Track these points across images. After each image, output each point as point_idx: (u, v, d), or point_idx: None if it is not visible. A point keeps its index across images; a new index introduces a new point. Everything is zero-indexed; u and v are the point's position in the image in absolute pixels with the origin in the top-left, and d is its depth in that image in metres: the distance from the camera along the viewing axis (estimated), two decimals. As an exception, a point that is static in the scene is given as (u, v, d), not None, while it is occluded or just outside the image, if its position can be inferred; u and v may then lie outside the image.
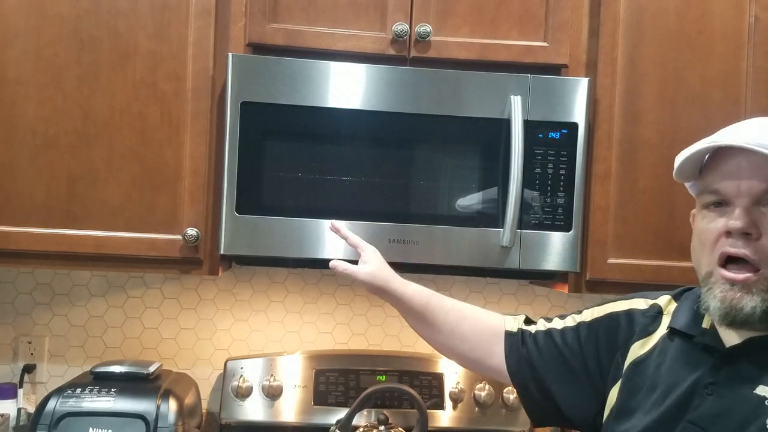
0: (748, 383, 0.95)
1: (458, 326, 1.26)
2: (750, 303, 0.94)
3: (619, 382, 1.11)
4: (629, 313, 1.16)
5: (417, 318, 1.27)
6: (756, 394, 0.92)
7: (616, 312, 1.17)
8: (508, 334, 1.23)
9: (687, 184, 1.09)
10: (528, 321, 1.26)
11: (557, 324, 1.22)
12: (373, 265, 1.25)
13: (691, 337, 1.05)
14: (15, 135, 1.58)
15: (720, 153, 0.99)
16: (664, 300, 1.15)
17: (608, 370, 1.14)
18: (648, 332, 1.11)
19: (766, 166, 0.94)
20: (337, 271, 1.25)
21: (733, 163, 0.97)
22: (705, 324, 1.04)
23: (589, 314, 1.20)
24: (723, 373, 0.98)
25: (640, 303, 1.17)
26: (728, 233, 0.96)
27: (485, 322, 1.27)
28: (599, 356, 1.15)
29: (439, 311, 1.26)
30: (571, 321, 1.22)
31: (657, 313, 1.13)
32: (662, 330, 1.10)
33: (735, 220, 0.95)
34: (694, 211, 1.08)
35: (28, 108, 1.58)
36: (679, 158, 1.03)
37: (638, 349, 1.11)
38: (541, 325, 1.24)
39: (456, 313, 1.27)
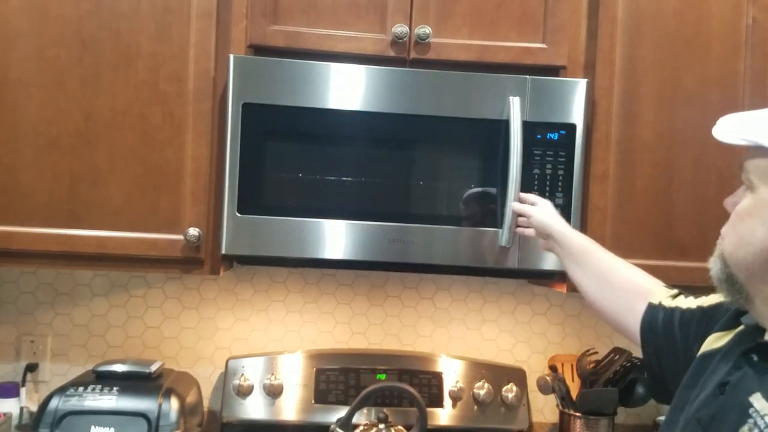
0: (750, 389, 0.92)
1: (608, 274, 1.33)
2: (715, 265, 0.97)
3: (693, 363, 1.08)
4: (723, 304, 1.12)
5: (574, 259, 1.39)
6: (748, 400, 0.90)
7: (723, 302, 1.12)
8: (650, 306, 1.24)
9: None
10: (676, 295, 1.25)
11: (685, 303, 1.21)
12: (543, 211, 1.47)
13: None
14: (17, 136, 1.59)
15: None
16: None
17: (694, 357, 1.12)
18: (727, 327, 1.07)
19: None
20: (514, 209, 1.53)
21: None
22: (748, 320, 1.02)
23: (711, 299, 1.18)
24: (738, 375, 0.95)
25: None
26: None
27: (634, 281, 1.31)
28: (698, 342, 1.12)
29: (595, 256, 1.36)
30: (695, 303, 1.20)
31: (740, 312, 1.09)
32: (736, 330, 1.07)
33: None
34: None
35: (31, 109, 1.59)
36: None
37: (714, 341, 1.08)
38: (675, 303, 1.22)
39: (610, 262, 1.35)
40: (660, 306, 1.23)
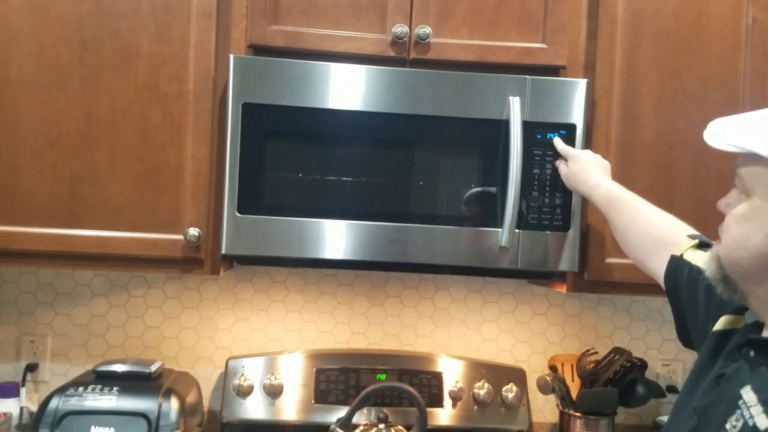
0: (741, 381, 0.95)
1: (629, 226, 1.39)
2: (707, 266, 1.00)
3: (707, 340, 1.10)
4: None
5: (601, 211, 1.47)
6: (738, 392, 0.93)
7: None
8: (673, 258, 1.26)
9: None
10: (699, 245, 1.26)
11: (700, 257, 1.22)
12: (577, 164, 1.55)
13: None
14: (18, 136, 1.59)
15: None
16: None
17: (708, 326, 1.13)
18: (739, 311, 1.08)
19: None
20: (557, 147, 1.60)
21: None
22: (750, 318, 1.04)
23: None
24: (732, 368, 0.98)
25: None
26: None
27: (655, 227, 1.35)
28: (719, 312, 1.13)
29: (615, 211, 1.43)
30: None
31: None
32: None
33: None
34: None
35: (31, 109, 1.59)
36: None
37: (726, 322, 1.08)
38: (702, 258, 1.20)
39: (630, 215, 1.40)
40: (683, 260, 1.24)
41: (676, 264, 1.24)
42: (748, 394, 0.91)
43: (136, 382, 1.66)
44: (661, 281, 1.28)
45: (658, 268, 1.29)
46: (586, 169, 1.52)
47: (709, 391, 0.99)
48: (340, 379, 1.89)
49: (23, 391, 1.87)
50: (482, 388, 1.91)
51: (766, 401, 0.88)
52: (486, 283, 2.06)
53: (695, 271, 1.20)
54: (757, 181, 0.93)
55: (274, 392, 1.86)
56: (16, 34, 1.58)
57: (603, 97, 1.68)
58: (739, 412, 0.91)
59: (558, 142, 1.60)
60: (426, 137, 1.63)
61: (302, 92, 1.57)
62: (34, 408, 1.74)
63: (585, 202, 1.67)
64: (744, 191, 0.96)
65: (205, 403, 1.95)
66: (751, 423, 0.88)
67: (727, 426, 0.91)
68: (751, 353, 0.96)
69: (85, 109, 1.60)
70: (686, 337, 1.26)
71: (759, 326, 0.99)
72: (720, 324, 1.09)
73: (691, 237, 1.27)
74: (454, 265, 1.65)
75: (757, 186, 0.93)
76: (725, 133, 0.95)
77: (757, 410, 0.88)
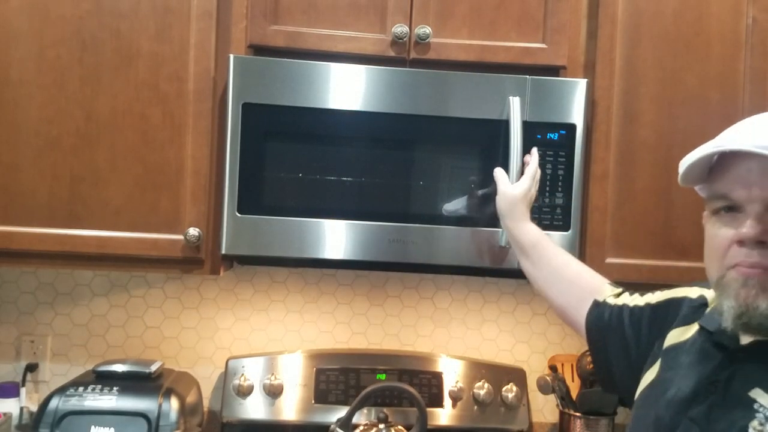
0: (746, 385, 0.93)
1: (554, 273, 1.39)
2: (765, 303, 0.89)
3: (658, 363, 1.09)
4: (681, 301, 1.14)
5: (524, 252, 1.45)
6: (749, 396, 0.91)
7: (676, 298, 1.16)
8: (596, 303, 1.28)
9: (696, 188, 1.05)
10: (619, 293, 1.30)
11: (632, 301, 1.25)
12: (511, 195, 1.50)
13: (711, 334, 1.02)
14: (18, 136, 1.59)
15: (728, 156, 0.94)
16: (712, 294, 1.08)
17: (649, 352, 1.15)
18: (687, 322, 1.09)
19: None
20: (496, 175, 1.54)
21: (742, 167, 0.92)
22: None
23: (658, 296, 1.21)
24: (727, 373, 0.96)
25: (694, 291, 1.14)
26: (741, 242, 0.91)
27: (583, 277, 1.36)
28: (651, 338, 1.15)
29: (545, 252, 1.41)
30: (642, 300, 1.23)
31: (701, 304, 1.10)
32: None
33: (748, 228, 0.90)
34: (705, 213, 1.02)
35: (31, 109, 1.59)
36: (684, 164, 0.99)
37: (677, 335, 1.09)
38: (621, 300, 1.26)
39: (561, 258, 1.40)
40: (605, 303, 1.27)
41: (599, 308, 1.28)
42: (762, 397, 0.89)
43: (136, 382, 1.66)
44: (582, 329, 1.30)
45: (580, 319, 1.30)
46: (517, 206, 1.49)
47: (703, 399, 0.97)
48: (340, 379, 1.89)
49: (23, 391, 1.87)
50: (482, 388, 1.91)
51: None
52: (486, 283, 2.06)
53: (618, 308, 1.25)
54: None
55: (274, 392, 1.86)
56: (16, 34, 1.58)
57: (603, 97, 1.68)
58: (760, 415, 0.89)
59: (499, 173, 1.54)
60: (426, 137, 1.63)
61: (302, 92, 1.57)
62: (34, 408, 1.75)
63: (585, 201, 1.67)
64: None
65: (205, 403, 1.95)
66: None
67: (750, 430, 0.89)
68: (741, 355, 0.96)
69: (85, 109, 1.60)
70: (609, 380, 1.27)
71: (724, 330, 0.97)
72: (672, 338, 1.11)
73: (614, 286, 1.32)
74: (454, 265, 1.65)
75: None
76: (764, 140, 0.89)
77: None
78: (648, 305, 1.21)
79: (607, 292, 1.30)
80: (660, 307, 1.19)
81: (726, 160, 0.95)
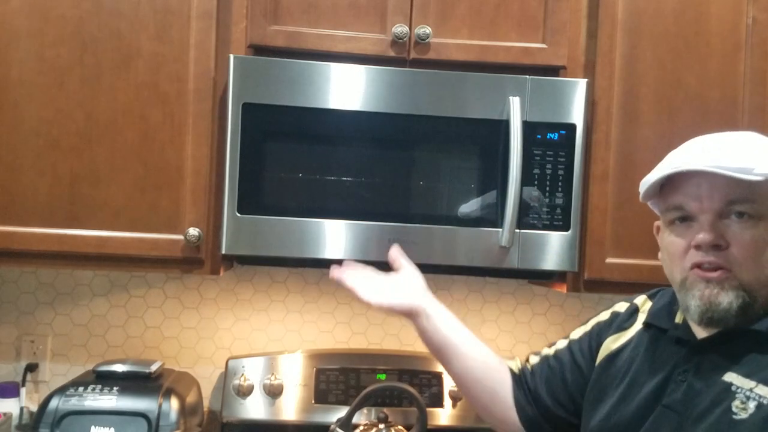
0: (717, 371, 1.02)
1: (465, 376, 1.32)
2: (726, 299, 1.02)
3: (593, 376, 1.20)
4: (612, 319, 1.26)
5: (436, 353, 1.35)
6: (723, 380, 1.01)
7: (602, 320, 1.28)
8: (513, 375, 1.30)
9: (649, 203, 1.16)
10: (526, 359, 1.35)
11: (547, 351, 1.31)
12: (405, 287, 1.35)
13: (665, 331, 1.14)
14: (18, 136, 1.59)
15: (679, 174, 1.06)
16: (640, 299, 1.25)
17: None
18: (623, 328, 1.22)
19: (725, 183, 1.01)
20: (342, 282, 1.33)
21: (693, 182, 1.05)
22: (678, 319, 1.13)
23: (577, 332, 1.31)
24: (694, 362, 1.06)
25: (621, 306, 1.27)
26: (698, 247, 1.03)
27: (489, 371, 1.31)
28: (591, 365, 1.24)
29: (454, 357, 1.32)
30: (561, 343, 1.31)
31: (633, 311, 1.24)
32: (638, 326, 1.20)
33: (704, 234, 1.02)
34: (657, 223, 1.16)
35: (31, 109, 1.59)
36: (645, 184, 1.10)
37: (611, 343, 1.21)
38: (539, 356, 1.32)
39: (466, 363, 1.31)
40: (525, 369, 1.31)
41: (522, 378, 1.30)
42: (738, 379, 0.99)
43: (136, 382, 1.66)
44: (512, 420, 1.27)
45: (504, 406, 1.28)
46: (424, 287, 1.37)
47: (675, 387, 1.06)
48: (340, 379, 1.89)
49: (23, 391, 1.87)
50: (482, 388, 1.91)
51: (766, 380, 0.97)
52: (486, 283, 2.06)
53: (544, 359, 1.30)
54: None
55: (274, 392, 1.86)
56: (16, 34, 1.58)
57: (603, 97, 1.68)
58: (741, 395, 0.98)
59: (393, 251, 1.41)
60: (426, 137, 1.63)
61: (302, 92, 1.57)
62: (34, 408, 1.75)
63: (585, 202, 1.67)
64: (757, 215, 1.03)
65: (205, 403, 1.95)
66: (766, 402, 0.96)
67: (734, 409, 0.97)
68: (706, 345, 1.05)
69: (86, 109, 1.60)
70: (577, 411, 1.25)
71: (686, 326, 1.10)
72: (606, 348, 1.20)
73: (513, 359, 1.35)
74: (454, 265, 1.65)
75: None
76: (755, 165, 1.00)
77: (764, 390, 0.96)
78: (573, 341, 1.29)
79: (515, 362, 1.33)
80: (589, 335, 1.27)
81: (677, 177, 1.07)
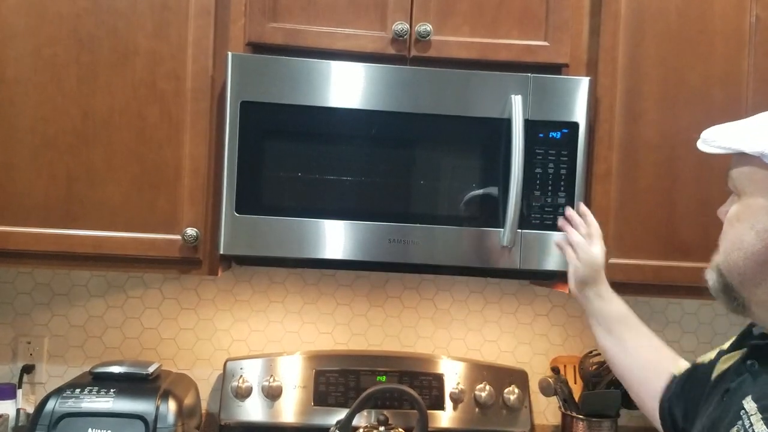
0: (744, 392, 0.95)
1: (637, 351, 1.29)
2: (709, 276, 1.00)
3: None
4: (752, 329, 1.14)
5: (607, 327, 1.33)
6: (741, 403, 0.93)
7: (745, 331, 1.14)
8: (673, 376, 1.23)
9: None
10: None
11: (701, 359, 1.20)
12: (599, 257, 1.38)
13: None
14: (14, 135, 1.57)
15: None
16: None
17: None
18: (735, 348, 1.09)
19: (724, 158, 0.97)
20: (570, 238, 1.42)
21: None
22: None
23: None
24: (738, 381, 0.99)
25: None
26: None
27: (659, 362, 1.27)
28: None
29: (628, 330, 1.31)
30: (713, 353, 1.18)
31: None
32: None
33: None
34: None
35: (27, 107, 1.57)
36: None
37: (722, 364, 1.10)
38: (692, 364, 1.22)
39: (640, 340, 1.30)
40: (679, 374, 1.22)
41: (670, 384, 1.22)
42: (749, 403, 0.91)
43: (133, 384, 1.65)
44: (652, 412, 1.25)
45: (649, 399, 1.26)
46: (600, 273, 1.38)
47: (716, 407, 1.00)
48: (339, 380, 1.88)
49: (20, 392, 1.86)
50: (483, 390, 1.90)
51: (766, 408, 0.88)
52: (487, 283, 2.04)
53: (686, 372, 1.20)
54: (746, 180, 0.95)
55: (272, 394, 1.85)
56: (12, 31, 1.57)
57: (606, 96, 1.66)
58: (740, 422, 0.90)
59: (576, 238, 1.42)
60: (427, 136, 1.62)
61: (301, 90, 1.56)
62: (31, 410, 1.73)
63: (588, 201, 1.65)
64: (737, 193, 0.98)
65: (203, 405, 1.93)
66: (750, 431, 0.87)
67: None
68: (756, 365, 0.97)
69: (82, 107, 1.58)
70: None
71: (764, 337, 0.99)
72: (719, 367, 1.09)
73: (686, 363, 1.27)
74: (455, 266, 1.64)
75: (747, 185, 0.95)
76: (714, 137, 0.98)
77: (756, 418, 0.88)
78: (721, 351, 1.15)
79: (683, 366, 1.24)
80: (732, 345, 1.13)
81: None
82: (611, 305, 1.34)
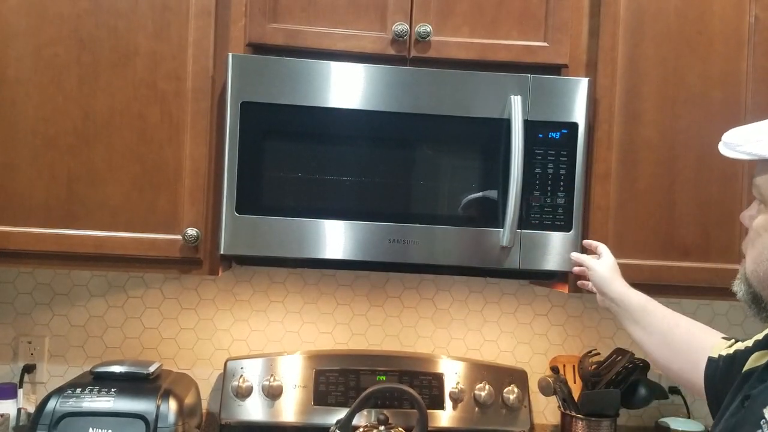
0: (764, 401, 0.93)
1: (668, 334, 1.30)
2: (737, 288, 0.99)
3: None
4: None
5: (633, 319, 1.34)
6: (762, 412, 0.92)
7: None
8: (710, 360, 1.21)
9: None
10: (732, 344, 1.22)
11: (743, 345, 1.18)
12: (604, 265, 1.41)
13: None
14: (15, 135, 1.57)
15: None
16: None
17: None
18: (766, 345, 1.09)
19: (724, 159, 0.96)
20: (573, 258, 1.48)
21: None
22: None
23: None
24: (759, 388, 0.97)
25: None
26: None
27: (694, 337, 1.27)
28: None
29: (654, 315, 1.32)
30: (751, 341, 1.16)
31: None
32: None
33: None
34: None
35: (28, 108, 1.58)
36: None
37: (754, 360, 1.08)
38: (733, 348, 1.19)
39: (670, 321, 1.31)
40: (719, 357, 1.20)
41: (713, 365, 1.21)
42: None
43: (134, 384, 1.65)
44: (702, 390, 1.23)
45: (697, 378, 1.23)
46: (616, 268, 1.42)
47: (735, 412, 0.98)
48: (339, 380, 1.88)
49: (21, 392, 1.86)
50: (483, 390, 1.90)
51: None
52: (487, 283, 2.04)
53: (728, 358, 1.18)
54: None
55: (273, 394, 1.85)
56: (13, 32, 1.57)
57: (605, 96, 1.67)
58: (759, 431, 0.89)
59: (575, 255, 1.50)
60: (426, 136, 1.62)
61: (302, 91, 1.56)
62: (32, 409, 1.73)
63: (587, 201, 1.66)
64: (762, 201, 0.95)
65: (204, 405, 1.94)
66: None
67: None
68: None
69: (83, 108, 1.59)
70: None
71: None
72: (751, 362, 1.07)
73: (726, 338, 1.25)
74: (455, 266, 1.64)
75: None
76: (739, 142, 0.95)
77: None
78: (756, 342, 1.14)
79: (719, 346, 1.22)
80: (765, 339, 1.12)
81: None
82: (629, 302, 1.36)
